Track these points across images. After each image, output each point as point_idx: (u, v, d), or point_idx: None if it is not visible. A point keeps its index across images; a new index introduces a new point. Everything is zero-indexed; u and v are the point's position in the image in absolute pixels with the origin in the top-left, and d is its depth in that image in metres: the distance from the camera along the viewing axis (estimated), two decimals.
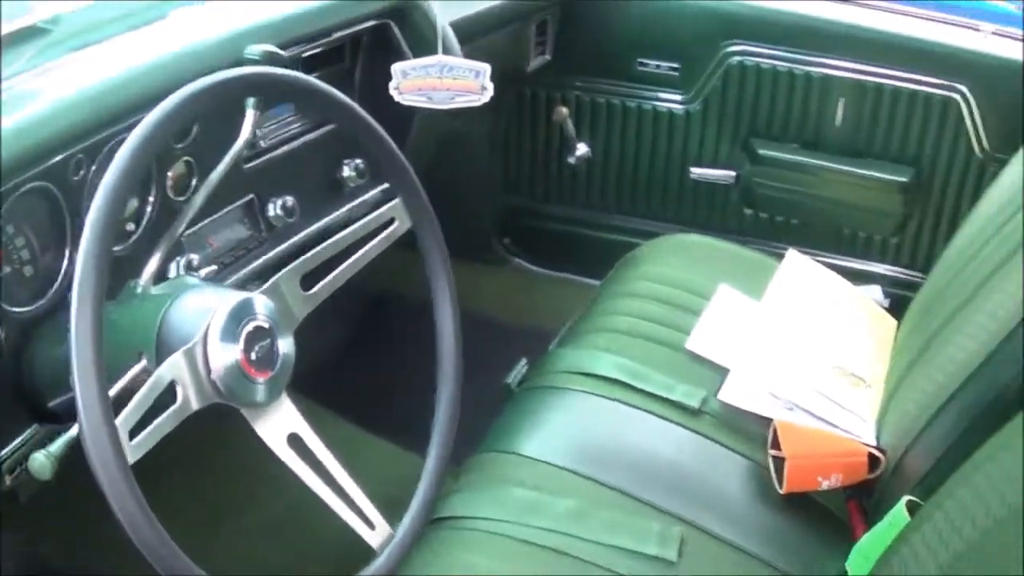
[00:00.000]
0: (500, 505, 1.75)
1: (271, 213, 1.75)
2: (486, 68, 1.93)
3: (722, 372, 2.11)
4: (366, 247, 1.54)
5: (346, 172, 1.96)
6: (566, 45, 2.78)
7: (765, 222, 2.90)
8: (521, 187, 3.09)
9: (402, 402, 2.34)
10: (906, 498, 1.74)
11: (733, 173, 2.86)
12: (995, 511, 1.43)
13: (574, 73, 2.86)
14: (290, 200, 1.77)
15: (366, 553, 1.50)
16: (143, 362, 1.29)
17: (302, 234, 1.84)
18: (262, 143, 1.77)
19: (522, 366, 2.22)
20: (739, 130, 2.83)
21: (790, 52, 2.72)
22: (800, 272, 2.48)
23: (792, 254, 2.53)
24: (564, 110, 2.86)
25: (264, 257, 1.75)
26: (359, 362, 2.47)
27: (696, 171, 2.88)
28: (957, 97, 2.64)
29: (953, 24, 2.70)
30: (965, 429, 1.77)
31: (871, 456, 1.95)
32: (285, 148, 1.80)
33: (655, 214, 2.96)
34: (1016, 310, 1.78)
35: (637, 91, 2.85)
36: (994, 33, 2.66)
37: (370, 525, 1.46)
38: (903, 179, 2.74)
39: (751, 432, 2.01)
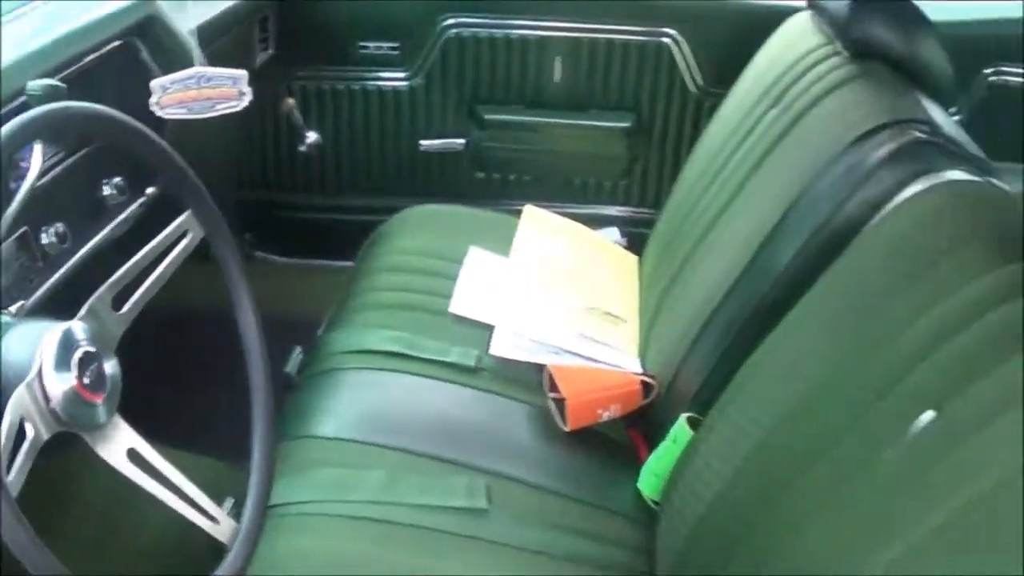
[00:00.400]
0: (313, 487, 1.79)
1: (44, 241, 1.74)
2: (243, 75, 1.95)
3: (488, 329, 2.20)
4: (166, 261, 1.56)
5: (106, 191, 1.95)
6: (288, 37, 2.79)
7: (499, 183, 2.99)
8: (255, 181, 3.08)
9: (193, 412, 2.36)
10: (685, 415, 1.88)
11: (462, 141, 2.94)
12: (777, 410, 1.57)
13: (298, 64, 2.88)
14: (61, 226, 1.75)
15: (204, 551, 1.54)
16: None
17: (76, 257, 1.84)
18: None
19: (298, 354, 2.25)
20: (463, 99, 2.90)
21: (505, 19, 2.81)
22: (540, 225, 2.59)
23: (530, 209, 2.63)
24: (291, 100, 2.88)
25: (45, 286, 1.74)
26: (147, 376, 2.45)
27: (426, 143, 2.94)
28: (668, 41, 2.78)
29: None
30: (731, 342, 1.90)
31: (644, 383, 2.07)
32: (49, 176, 1.79)
33: (393, 190, 3.01)
34: (759, 228, 1.93)
35: (360, 74, 2.90)
36: None
37: (215, 521, 1.49)
38: (625, 124, 2.87)
39: (527, 380, 2.10)
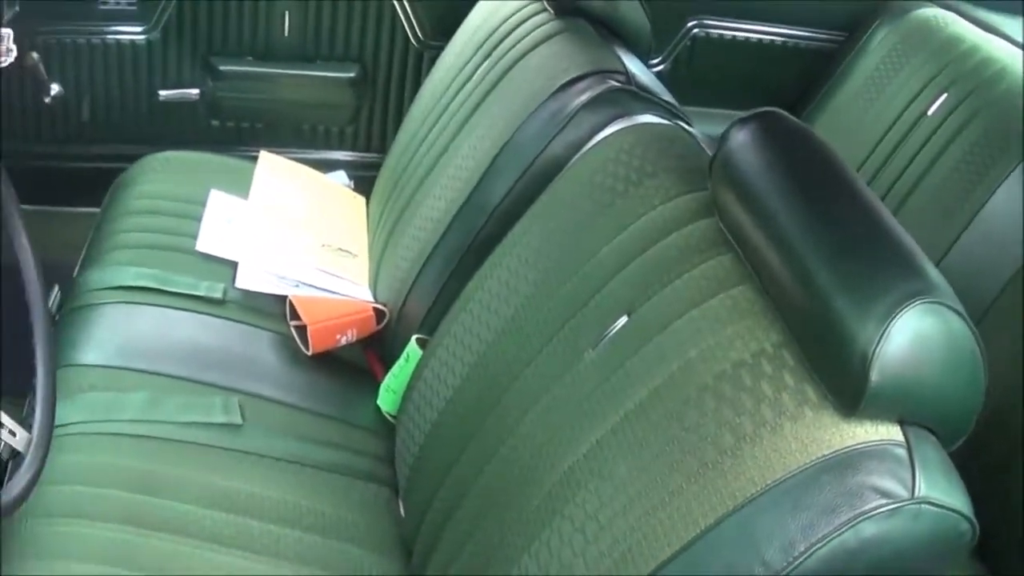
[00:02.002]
0: (83, 409, 1.88)
1: None
2: (8, 32, 2.03)
3: (233, 265, 2.32)
4: None
5: None
6: None
7: (233, 130, 3.06)
8: None
9: None
10: (415, 336, 2.05)
11: (196, 91, 2.99)
12: (495, 323, 1.75)
13: (42, 19, 2.86)
14: None
15: None
16: None
17: None
18: None
19: (56, 293, 2.31)
20: (197, 51, 2.96)
21: None
22: (275, 169, 2.70)
23: (264, 155, 2.74)
24: (35, 55, 2.87)
25: None
26: None
27: (164, 93, 2.98)
28: None
29: None
30: (452, 271, 2.07)
31: (376, 310, 2.23)
32: None
33: (134, 138, 3.03)
34: (475, 169, 2.11)
35: (100, 28, 2.90)
36: None
37: (12, 433, 1.58)
38: (351, 75, 2.98)
39: (271, 310, 2.24)
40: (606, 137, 1.84)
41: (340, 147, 3.12)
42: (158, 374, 2.01)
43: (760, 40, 3.03)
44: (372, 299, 2.33)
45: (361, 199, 2.75)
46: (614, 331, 1.49)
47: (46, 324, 1.73)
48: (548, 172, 1.91)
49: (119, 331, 2.12)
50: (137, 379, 1.99)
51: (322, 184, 2.78)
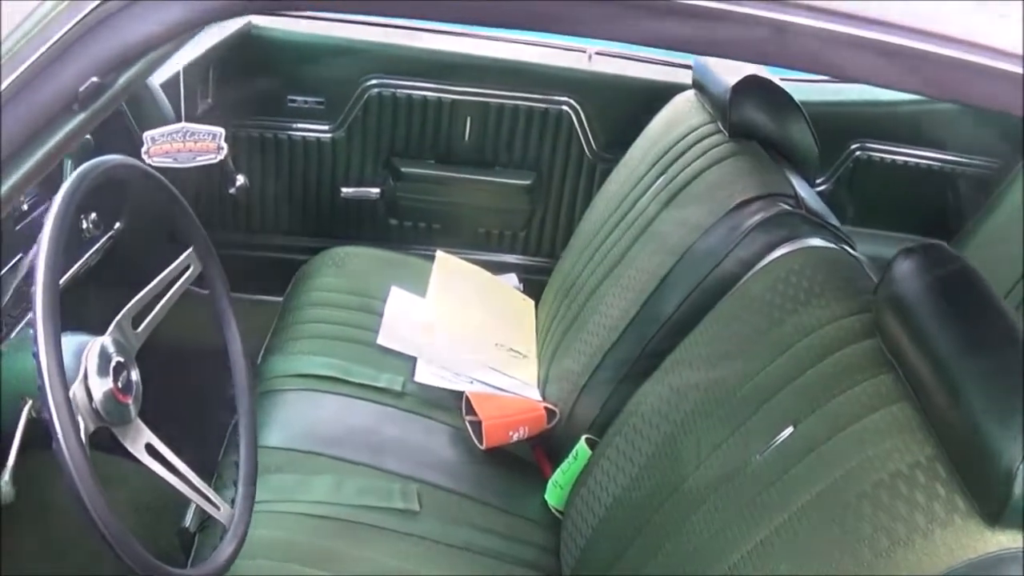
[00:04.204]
0: (270, 489, 2.09)
1: None
2: (221, 131, 2.25)
3: (411, 360, 2.54)
4: (172, 289, 1.79)
5: (84, 224, 2.24)
6: (225, 89, 2.99)
7: (410, 229, 3.29)
8: None
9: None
10: (585, 436, 2.25)
11: (377, 190, 3.23)
12: (665, 428, 1.94)
13: (232, 113, 3.07)
14: None
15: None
16: (29, 403, 1.56)
17: (61, 281, 2.12)
18: (25, 207, 2.00)
19: None
20: (380, 152, 3.19)
21: (421, 82, 3.10)
22: (451, 269, 2.92)
23: (440, 255, 2.95)
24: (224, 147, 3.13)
25: None
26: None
27: (346, 190, 3.22)
28: (567, 109, 3.11)
29: (561, 48, 3.16)
30: (623, 377, 2.26)
31: (548, 410, 2.43)
32: (38, 210, 2.02)
33: (314, 231, 3.27)
34: (649, 280, 2.29)
35: (288, 124, 3.15)
36: (597, 53, 3.14)
37: (216, 507, 1.75)
38: (527, 182, 3.19)
39: (447, 404, 2.45)
40: (777, 258, 2.03)
41: (512, 251, 3.34)
42: (341, 459, 2.22)
43: (919, 164, 3.18)
44: (541, 399, 2.52)
45: (530, 302, 2.95)
46: (780, 440, 1.67)
47: (252, 409, 1.95)
48: (720, 287, 2.10)
49: (302, 416, 2.34)
50: (321, 463, 2.20)
51: (495, 286, 2.99)
